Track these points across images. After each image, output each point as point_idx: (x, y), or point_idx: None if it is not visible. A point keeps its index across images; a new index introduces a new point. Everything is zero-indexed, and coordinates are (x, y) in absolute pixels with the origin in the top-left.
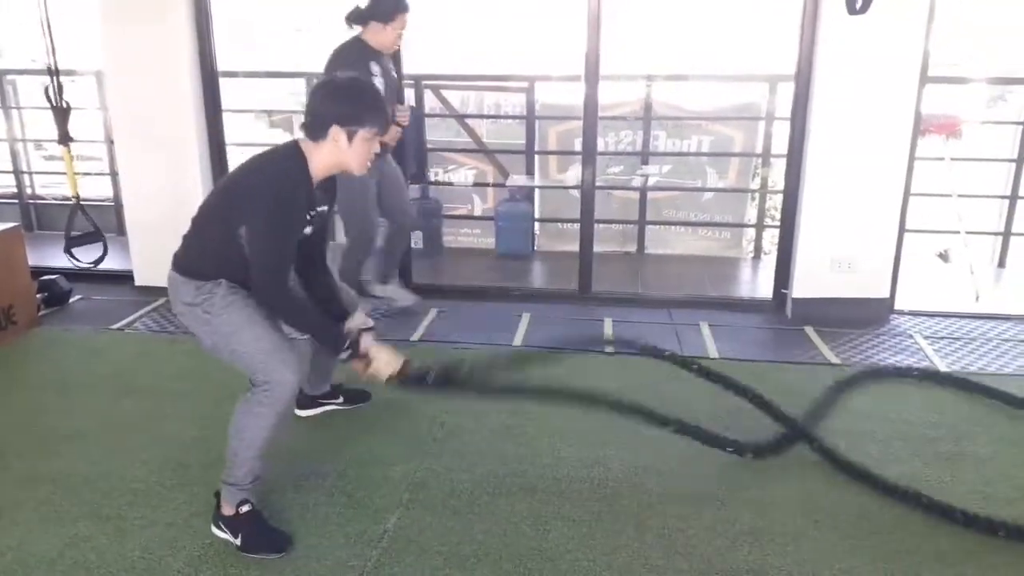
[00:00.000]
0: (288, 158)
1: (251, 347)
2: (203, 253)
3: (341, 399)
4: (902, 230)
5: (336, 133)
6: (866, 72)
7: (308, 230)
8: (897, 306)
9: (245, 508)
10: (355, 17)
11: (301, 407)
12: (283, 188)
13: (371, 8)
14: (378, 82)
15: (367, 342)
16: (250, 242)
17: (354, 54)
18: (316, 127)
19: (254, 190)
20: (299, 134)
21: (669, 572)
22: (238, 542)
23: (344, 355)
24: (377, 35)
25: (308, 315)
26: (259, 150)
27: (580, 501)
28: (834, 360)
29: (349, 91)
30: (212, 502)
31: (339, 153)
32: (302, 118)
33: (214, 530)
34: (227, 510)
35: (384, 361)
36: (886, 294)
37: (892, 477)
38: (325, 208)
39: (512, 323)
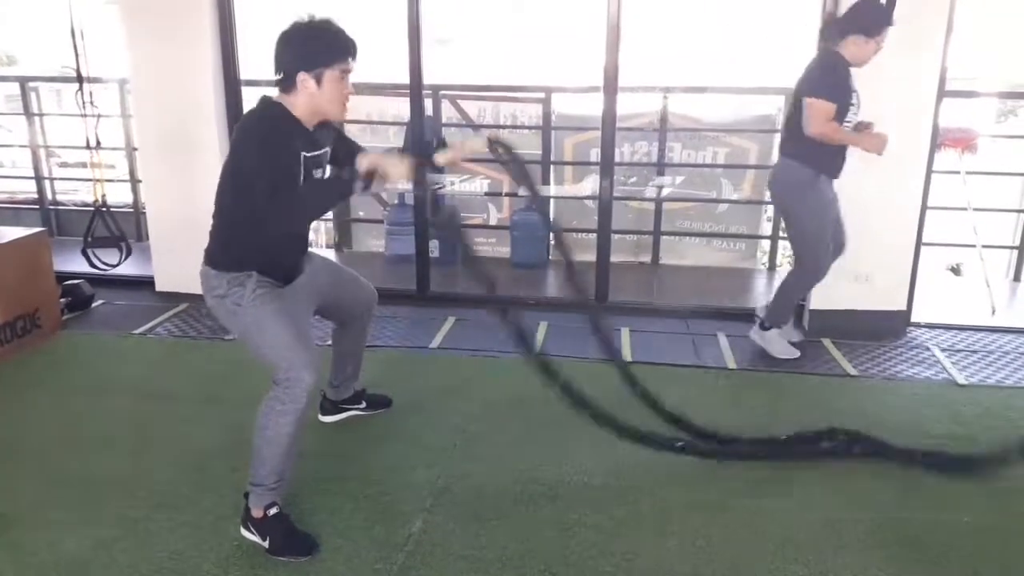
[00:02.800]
0: (265, 108)
1: (271, 344)
2: (228, 241)
3: (363, 404)
4: (919, 243)
5: (303, 79)
6: (883, 85)
7: (318, 172)
8: (914, 319)
9: (273, 511)
10: (835, 31)
11: (324, 413)
12: (263, 127)
13: (853, 21)
14: (856, 98)
15: (368, 161)
16: (249, 184)
17: (841, 70)
18: (285, 79)
19: (239, 146)
20: None
21: None
22: (266, 544)
23: (361, 187)
24: (858, 49)
25: (318, 192)
26: None
27: (603, 507)
28: (852, 372)
29: (306, 35)
30: (239, 505)
31: (312, 99)
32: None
33: (243, 532)
34: (255, 512)
35: (392, 166)
36: (903, 307)
37: None
38: (325, 149)
39: (529, 332)
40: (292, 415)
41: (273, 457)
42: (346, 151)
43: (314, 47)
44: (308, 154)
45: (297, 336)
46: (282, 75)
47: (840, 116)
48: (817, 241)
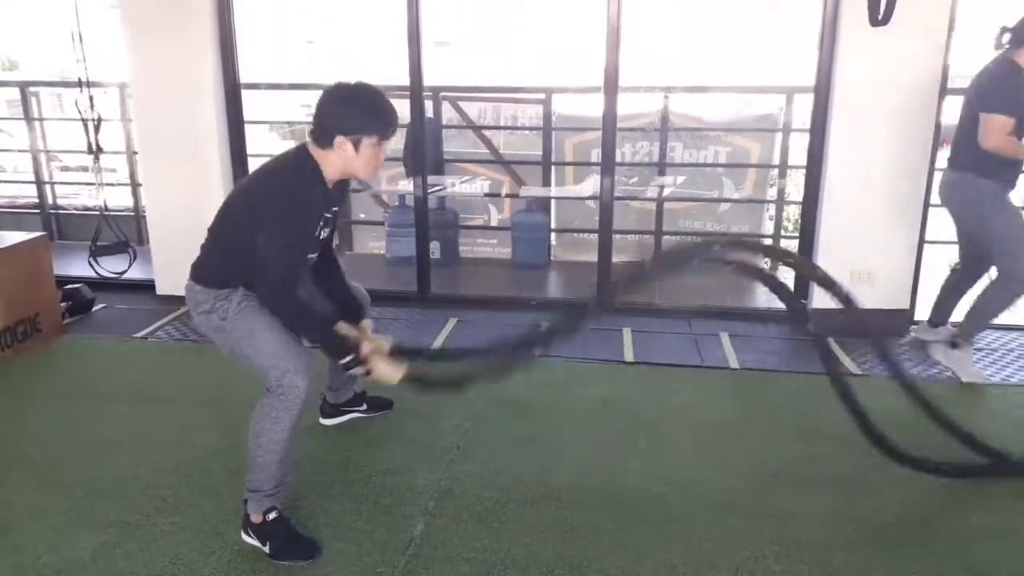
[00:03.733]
0: (300, 162)
1: (263, 351)
2: (222, 261)
3: (364, 406)
4: (922, 241)
5: (341, 143)
6: (886, 83)
7: (324, 233)
8: (917, 317)
9: (272, 515)
10: (1016, 38)
11: (325, 416)
12: (297, 193)
13: None
14: None
15: (366, 351)
16: (264, 246)
17: (1015, 79)
18: (323, 136)
19: (270, 196)
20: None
21: None
22: (267, 549)
23: (347, 360)
24: None
25: (312, 321)
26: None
27: (606, 510)
28: (855, 371)
29: (352, 99)
30: (240, 509)
31: (346, 160)
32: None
33: (244, 537)
34: (255, 518)
35: (383, 372)
36: (906, 305)
37: None
38: (337, 209)
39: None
40: (287, 422)
41: (269, 464)
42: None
43: (358, 114)
44: (328, 215)
45: (287, 342)
46: (319, 130)
47: (1019, 131)
48: (1018, 245)
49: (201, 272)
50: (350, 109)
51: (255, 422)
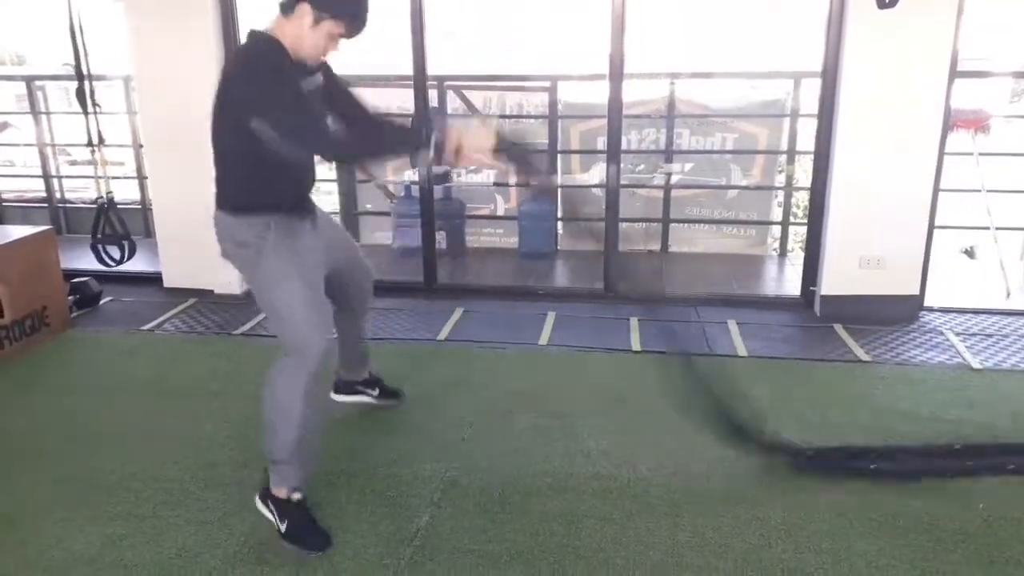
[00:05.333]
0: (252, 40)
1: (285, 303)
2: (240, 180)
3: (377, 391)
4: (931, 226)
5: (303, 11)
6: (894, 67)
7: (317, 106)
8: (927, 303)
9: (297, 496)
10: None
11: (337, 391)
12: (265, 57)
13: None
14: None
15: (449, 130)
16: (277, 128)
17: None
18: (288, 4)
19: (240, 80)
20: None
21: (704, 570)
22: (283, 527)
23: (431, 154)
24: None
25: (375, 134)
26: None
27: (611, 499)
28: (864, 358)
29: None
30: (246, 501)
31: (298, 32)
32: None
33: (259, 505)
34: (278, 491)
35: (475, 136)
36: (916, 291)
37: None
38: (320, 78)
39: (537, 322)
40: (302, 382)
41: (287, 432)
42: (339, 90)
43: None
44: (307, 89)
45: (310, 299)
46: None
47: None
48: None
49: (226, 199)
50: None
51: (270, 385)
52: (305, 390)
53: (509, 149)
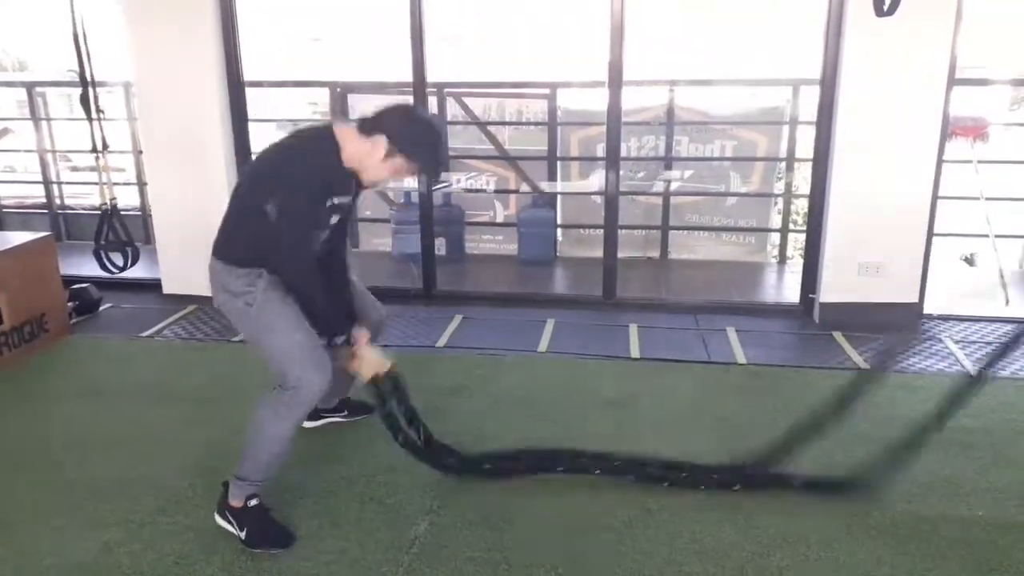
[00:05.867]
0: (321, 139)
1: (284, 345)
2: (241, 237)
3: (345, 412)
4: (930, 234)
5: (379, 142)
6: (893, 75)
7: (334, 219)
8: (926, 310)
9: (253, 502)
10: None
11: (308, 418)
12: (312, 158)
13: None
14: None
15: (363, 338)
16: (279, 220)
17: None
18: (370, 128)
19: (286, 165)
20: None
21: None
22: (243, 535)
23: (339, 340)
24: None
25: (321, 296)
26: None
27: (610, 508)
28: (864, 365)
29: (418, 121)
30: None
31: (369, 156)
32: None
33: (218, 519)
34: (235, 503)
35: (368, 361)
36: (915, 299)
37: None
38: (349, 199)
39: (536, 329)
40: (294, 419)
41: (268, 457)
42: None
43: (413, 136)
44: (336, 201)
45: (309, 341)
46: (373, 124)
47: None
48: None
49: (223, 250)
50: (409, 128)
51: (259, 414)
52: (295, 425)
53: (387, 386)
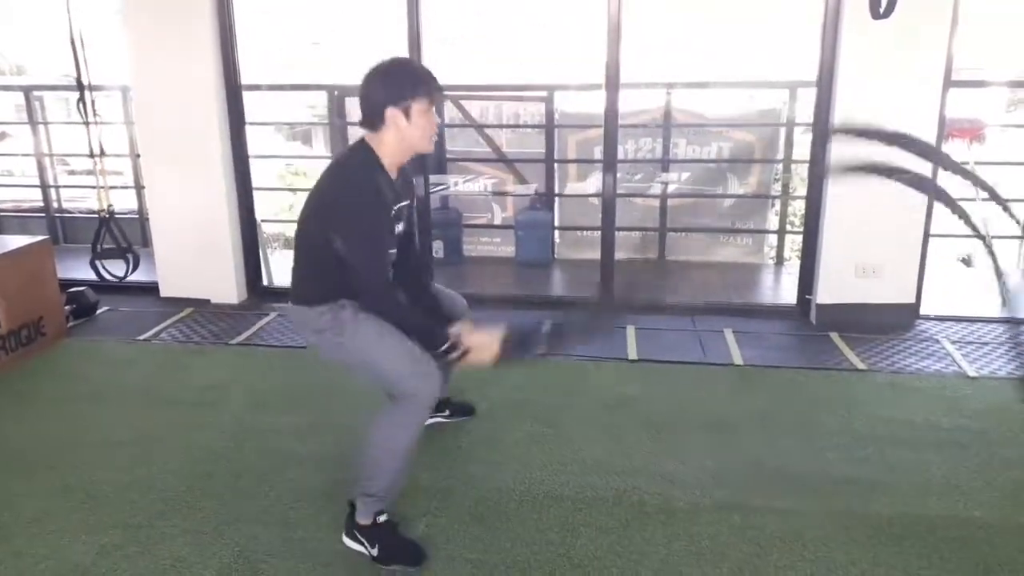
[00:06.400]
0: (356, 152)
1: (389, 361)
2: (315, 276)
3: (447, 412)
4: (927, 235)
5: (393, 115)
6: (889, 77)
7: (398, 227)
8: (923, 311)
9: (383, 518)
10: None
11: None
12: (364, 188)
13: None
14: None
15: (465, 331)
16: (347, 251)
17: None
18: (373, 117)
19: (338, 199)
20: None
21: None
22: (375, 552)
23: (444, 347)
24: None
25: (411, 314)
26: (280, 162)
27: (607, 509)
28: (860, 366)
29: (391, 70)
30: (241, 511)
31: (402, 134)
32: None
33: (347, 541)
34: (364, 521)
35: (479, 346)
36: (912, 299)
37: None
38: (407, 203)
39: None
40: (414, 428)
41: (393, 471)
42: (410, 228)
43: (401, 81)
44: (395, 208)
45: (411, 351)
46: (369, 112)
47: None
48: None
49: (299, 292)
50: (391, 79)
51: (381, 429)
52: (416, 433)
53: (517, 344)
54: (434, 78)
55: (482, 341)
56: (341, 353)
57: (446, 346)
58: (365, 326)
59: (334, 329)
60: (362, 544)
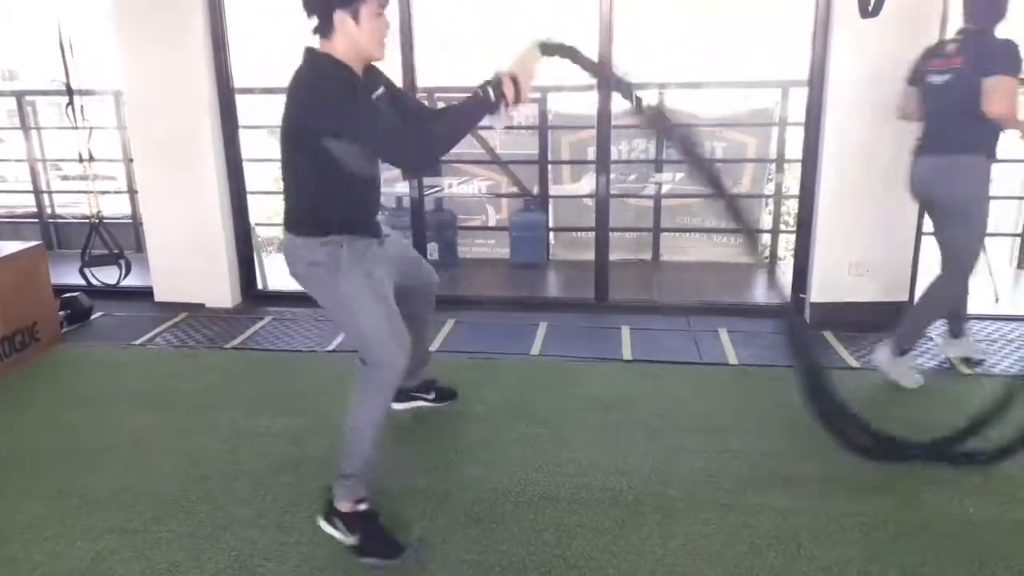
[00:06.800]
0: (320, 59)
1: (370, 320)
2: (312, 203)
3: (432, 395)
4: (920, 233)
5: (340, 19)
6: (880, 75)
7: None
8: None
9: (363, 506)
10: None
11: (395, 401)
12: (339, 78)
13: None
14: None
15: (502, 79)
16: (355, 140)
17: None
18: (322, 21)
19: (313, 102)
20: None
21: None
22: (353, 541)
23: (497, 100)
24: None
25: (453, 123)
26: (272, 165)
27: (603, 509)
28: (854, 364)
29: None
30: (237, 515)
31: (352, 39)
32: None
33: (323, 525)
34: (343, 506)
35: (525, 67)
36: (905, 297)
37: None
38: (381, 89)
39: (529, 332)
40: (382, 401)
41: (365, 448)
42: (399, 93)
43: None
44: (375, 95)
45: (391, 319)
46: (317, 19)
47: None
48: (981, 233)
49: (297, 223)
50: None
51: (349, 408)
52: (384, 407)
53: (558, 53)
54: None
55: (523, 61)
56: (327, 292)
57: (495, 98)
58: (358, 277)
59: (329, 266)
60: (339, 530)
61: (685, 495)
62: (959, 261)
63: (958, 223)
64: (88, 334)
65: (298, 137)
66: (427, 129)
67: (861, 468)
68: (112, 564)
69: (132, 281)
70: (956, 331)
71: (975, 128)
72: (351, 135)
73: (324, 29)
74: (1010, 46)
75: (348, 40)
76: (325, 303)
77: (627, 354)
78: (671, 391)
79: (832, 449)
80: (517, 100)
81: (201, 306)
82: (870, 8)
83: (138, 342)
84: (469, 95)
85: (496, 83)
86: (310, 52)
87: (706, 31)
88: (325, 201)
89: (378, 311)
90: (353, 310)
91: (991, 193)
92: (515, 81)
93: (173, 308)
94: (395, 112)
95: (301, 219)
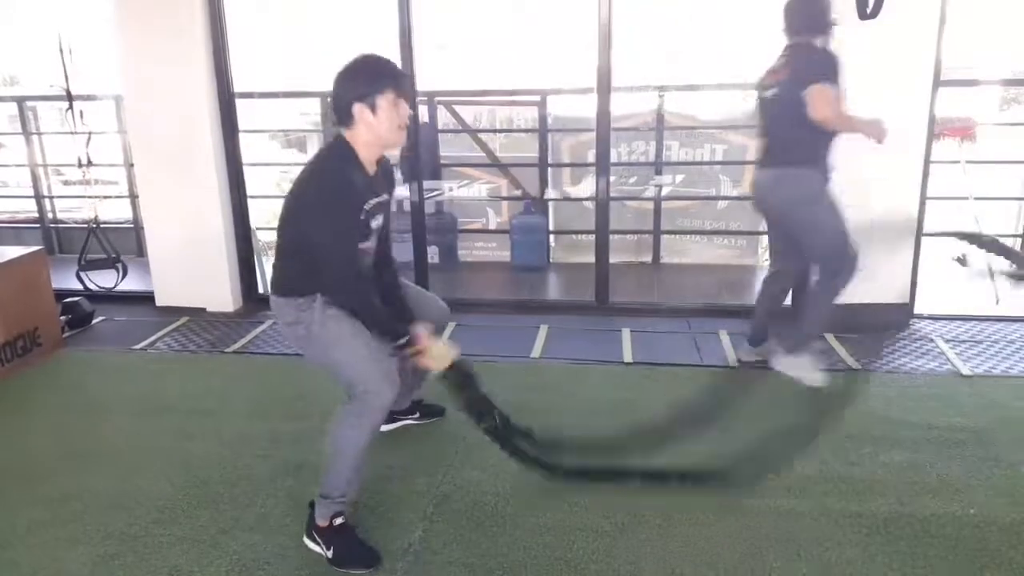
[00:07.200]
0: (334, 150)
1: (351, 358)
2: (291, 268)
3: (418, 414)
4: (919, 234)
5: (359, 111)
6: (878, 76)
7: (376, 222)
8: (917, 310)
9: (339, 520)
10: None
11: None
12: (335, 183)
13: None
14: None
15: (423, 336)
16: (316, 236)
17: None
18: (343, 114)
19: (309, 185)
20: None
21: None
22: (329, 555)
23: (402, 342)
24: None
25: (375, 308)
26: (273, 170)
27: (603, 512)
28: (854, 365)
29: (355, 68)
30: (238, 519)
31: (371, 129)
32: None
33: (307, 541)
34: (321, 522)
35: (435, 353)
36: (906, 299)
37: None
38: (387, 197)
39: (530, 335)
40: (368, 428)
41: (346, 470)
42: (386, 227)
43: (364, 77)
44: (369, 204)
45: (373, 351)
46: (339, 111)
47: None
48: (839, 233)
49: (277, 284)
50: (355, 75)
51: (335, 428)
52: (371, 434)
53: (457, 374)
54: (398, 71)
55: (438, 350)
56: (307, 345)
57: (401, 341)
58: (332, 322)
59: (303, 323)
60: (319, 545)
61: (684, 497)
62: (826, 260)
63: (804, 229)
64: (89, 339)
65: (289, 210)
66: (361, 287)
67: (861, 469)
68: (114, 568)
69: (133, 285)
70: (756, 340)
71: (807, 138)
72: (311, 227)
73: (345, 120)
74: (828, 56)
75: (368, 129)
76: (310, 356)
77: (628, 356)
78: (672, 393)
79: (832, 449)
80: (413, 355)
81: (202, 310)
82: (868, 10)
83: (139, 346)
84: (398, 322)
85: (412, 341)
86: (336, 138)
87: (705, 34)
88: (305, 270)
89: (357, 344)
90: (332, 350)
91: (828, 199)
92: (420, 353)
93: (174, 312)
94: (379, 224)
95: (282, 282)
